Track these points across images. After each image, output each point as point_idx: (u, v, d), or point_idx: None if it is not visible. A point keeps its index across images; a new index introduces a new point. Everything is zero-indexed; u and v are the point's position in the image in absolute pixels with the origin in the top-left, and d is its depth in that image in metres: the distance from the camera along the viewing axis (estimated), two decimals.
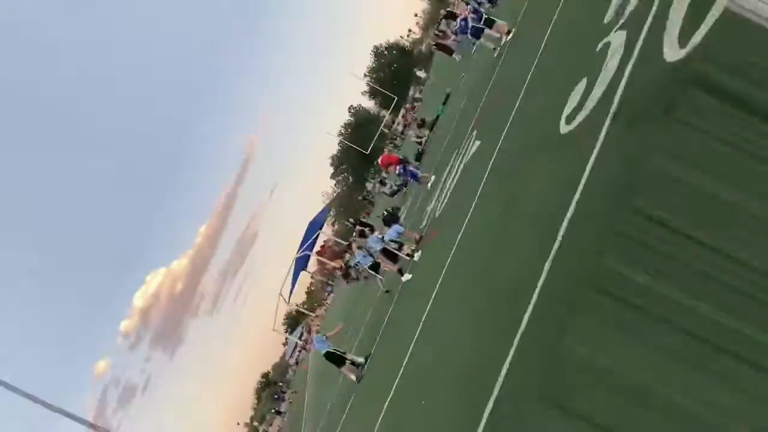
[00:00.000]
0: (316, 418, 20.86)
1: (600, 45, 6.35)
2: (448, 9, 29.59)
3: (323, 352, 13.93)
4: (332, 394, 19.06)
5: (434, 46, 33.43)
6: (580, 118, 5.96)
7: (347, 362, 13.89)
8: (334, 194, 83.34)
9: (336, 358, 13.83)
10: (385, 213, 27.47)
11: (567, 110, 6.51)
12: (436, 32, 36.08)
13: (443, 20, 32.75)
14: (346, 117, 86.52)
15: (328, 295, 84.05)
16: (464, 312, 7.27)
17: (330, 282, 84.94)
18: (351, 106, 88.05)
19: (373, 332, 15.05)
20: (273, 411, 57.56)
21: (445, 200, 13.24)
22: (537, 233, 5.67)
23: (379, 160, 30.56)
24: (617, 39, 5.89)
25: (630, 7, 6.00)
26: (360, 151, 66.62)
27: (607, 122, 5.13)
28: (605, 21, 6.60)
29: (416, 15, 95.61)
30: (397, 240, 13.90)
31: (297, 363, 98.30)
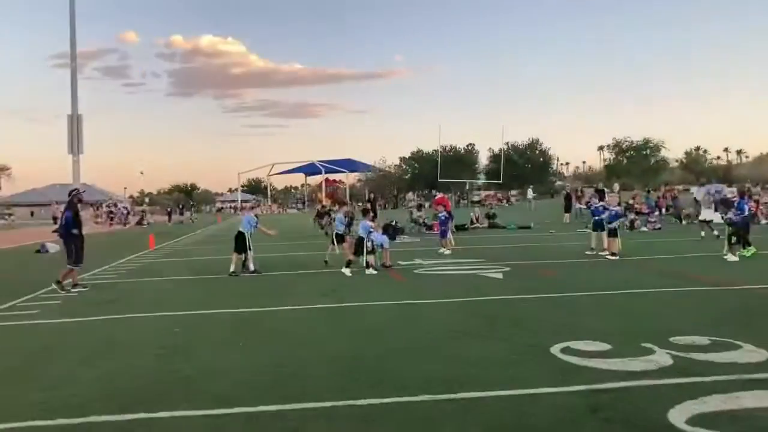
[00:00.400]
0: (179, 254, 20.75)
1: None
2: (604, 188, 29.36)
3: (242, 229, 13.72)
4: (205, 257, 18.96)
5: (566, 193, 33.22)
6: (574, 358, 5.80)
7: (244, 256, 13.69)
8: (386, 170, 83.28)
9: (242, 244, 13.61)
10: (394, 223, 27.40)
11: (576, 344, 6.34)
12: (578, 191, 36.02)
13: (592, 190, 32.63)
14: (463, 144, 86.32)
15: (294, 207, 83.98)
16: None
17: (304, 203, 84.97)
18: (470, 143, 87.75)
19: (280, 266, 14.92)
20: (167, 209, 57.71)
21: (429, 271, 13.16)
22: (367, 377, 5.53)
23: (438, 196, 30.52)
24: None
25: None
26: (437, 172, 66.48)
27: (583, 388, 4.97)
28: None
29: (584, 162, 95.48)
30: (376, 246, 13.75)
31: (219, 210, 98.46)
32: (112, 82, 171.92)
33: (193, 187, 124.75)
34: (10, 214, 77.33)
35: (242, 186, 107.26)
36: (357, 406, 4.72)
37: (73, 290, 11.54)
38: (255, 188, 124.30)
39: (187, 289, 11.75)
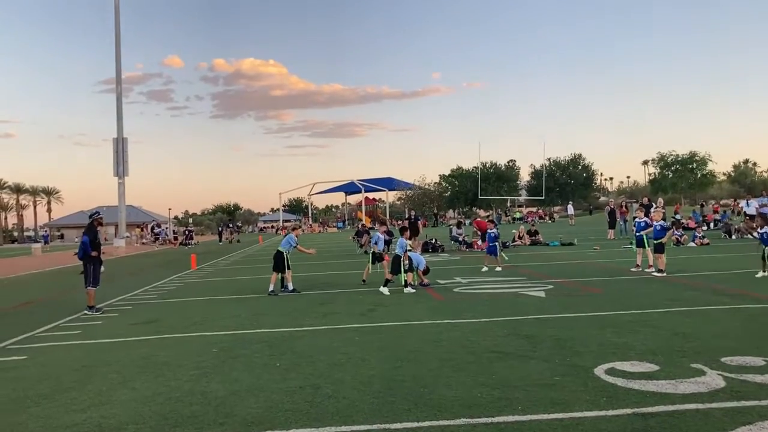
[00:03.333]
0: (220, 274, 20.92)
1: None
2: (649, 203, 28.67)
3: (281, 248, 13.73)
4: (245, 277, 19.05)
5: (609, 209, 32.53)
6: (619, 380, 5.55)
7: (281, 275, 13.69)
8: (426, 187, 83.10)
9: (280, 263, 13.61)
10: (434, 241, 27.25)
11: (621, 365, 6.09)
12: (624, 204, 35.23)
13: (637, 204, 31.94)
14: (504, 161, 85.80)
15: (334, 226, 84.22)
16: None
17: (344, 221, 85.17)
18: (511, 159, 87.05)
19: (319, 285, 14.89)
20: (220, 227, 58.63)
21: (468, 289, 12.93)
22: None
23: (478, 219, 30.23)
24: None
25: None
26: (477, 188, 66.19)
27: (629, 411, 4.73)
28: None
29: (628, 177, 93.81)
30: (414, 265, 13.58)
31: (262, 230, 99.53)
32: (156, 105, 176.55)
33: (236, 207, 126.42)
34: (61, 236, 79.90)
35: (283, 206, 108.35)
36: (392, 430, 4.58)
37: (87, 312, 11.63)
38: (296, 208, 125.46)
39: (226, 309, 11.76)
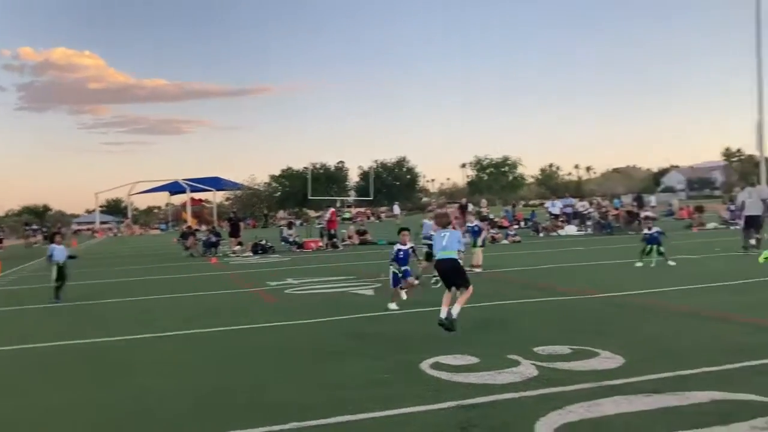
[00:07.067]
0: (27, 281, 19.05)
1: None
2: (465, 204, 30.45)
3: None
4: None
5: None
6: (443, 374, 5.79)
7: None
8: (256, 187, 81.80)
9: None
10: (264, 242, 26.83)
11: (445, 359, 6.35)
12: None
13: (456, 206, 33.70)
14: (333, 162, 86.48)
15: (157, 228, 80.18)
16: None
17: (167, 222, 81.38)
18: (340, 161, 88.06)
19: (135, 292, 14.09)
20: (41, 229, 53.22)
21: (300, 290, 12.90)
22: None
23: (331, 210, 30.10)
24: None
25: None
26: (306, 189, 66.19)
27: (453, 404, 4.94)
28: None
29: (448, 179, 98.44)
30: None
31: (75, 233, 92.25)
32: None
33: (46, 208, 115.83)
34: None
35: (101, 207, 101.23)
36: None
37: None
38: (115, 209, 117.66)
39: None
